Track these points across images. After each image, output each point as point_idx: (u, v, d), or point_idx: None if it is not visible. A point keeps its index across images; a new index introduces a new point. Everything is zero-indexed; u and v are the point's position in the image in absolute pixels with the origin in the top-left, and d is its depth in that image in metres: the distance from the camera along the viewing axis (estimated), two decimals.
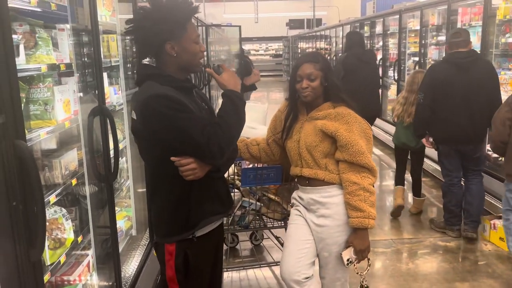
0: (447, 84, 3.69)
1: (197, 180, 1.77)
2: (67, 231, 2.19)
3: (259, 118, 3.42)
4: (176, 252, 1.83)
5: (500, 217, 3.94)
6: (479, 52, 4.34)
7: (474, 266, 3.52)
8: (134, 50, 3.31)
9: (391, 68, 7.83)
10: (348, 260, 2.14)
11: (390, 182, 5.92)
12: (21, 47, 1.90)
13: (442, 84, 3.72)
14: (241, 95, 1.84)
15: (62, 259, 2.10)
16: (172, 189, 1.82)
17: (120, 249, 2.70)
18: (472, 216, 3.85)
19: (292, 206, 2.42)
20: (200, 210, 1.84)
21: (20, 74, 1.56)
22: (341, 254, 2.15)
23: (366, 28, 9.65)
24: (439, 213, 4.63)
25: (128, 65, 3.41)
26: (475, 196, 3.83)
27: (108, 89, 2.81)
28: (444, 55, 4.36)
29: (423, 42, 6.44)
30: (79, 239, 2.35)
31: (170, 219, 1.85)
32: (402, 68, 7.38)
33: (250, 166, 2.88)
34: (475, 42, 5.01)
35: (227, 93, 1.82)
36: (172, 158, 1.72)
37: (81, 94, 2.42)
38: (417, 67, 6.30)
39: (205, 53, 1.97)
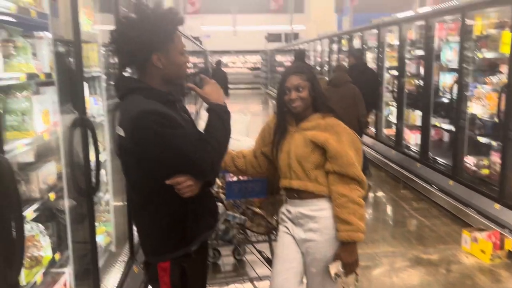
0: None
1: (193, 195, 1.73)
2: (44, 249, 2.08)
3: (242, 130, 3.38)
4: (171, 268, 1.77)
5: (480, 229, 4.00)
6: (457, 67, 4.53)
7: (457, 279, 3.53)
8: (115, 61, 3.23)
9: None
10: (335, 274, 2.09)
11: (370, 193, 5.95)
12: None
13: None
14: (225, 107, 1.80)
15: (39, 278, 1.99)
16: (166, 206, 1.75)
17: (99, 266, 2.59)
18: None
19: (279, 222, 2.36)
20: (196, 225, 1.80)
21: None
22: (328, 266, 2.10)
23: (343, 42, 9.77)
24: (419, 225, 4.66)
25: (110, 76, 3.33)
26: None
27: (88, 100, 2.72)
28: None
29: (401, 56, 6.54)
30: (57, 256, 2.24)
31: (163, 236, 1.78)
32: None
33: (235, 178, 2.82)
34: (452, 57, 5.11)
35: (212, 107, 1.78)
36: (167, 182, 1.67)
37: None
38: (395, 82, 6.47)
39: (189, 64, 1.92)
